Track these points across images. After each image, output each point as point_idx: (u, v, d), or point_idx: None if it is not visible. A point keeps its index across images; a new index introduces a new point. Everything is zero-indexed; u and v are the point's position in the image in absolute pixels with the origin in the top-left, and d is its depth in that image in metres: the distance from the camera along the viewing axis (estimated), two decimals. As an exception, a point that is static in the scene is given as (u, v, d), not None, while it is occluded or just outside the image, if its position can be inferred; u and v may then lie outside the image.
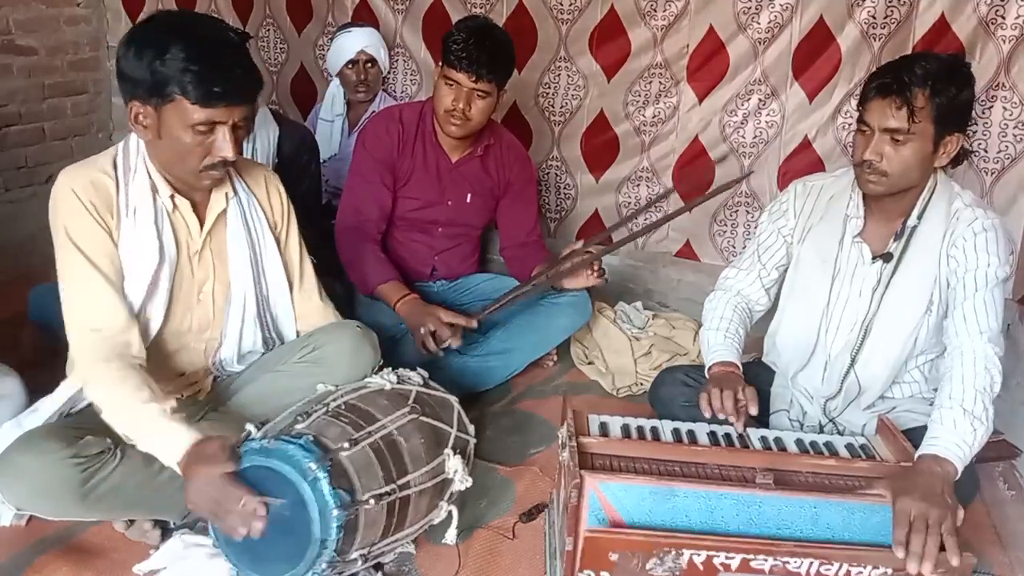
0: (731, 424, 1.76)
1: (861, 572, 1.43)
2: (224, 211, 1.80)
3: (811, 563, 1.42)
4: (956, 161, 1.83)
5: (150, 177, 1.70)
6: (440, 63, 2.42)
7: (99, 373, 1.62)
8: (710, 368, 1.93)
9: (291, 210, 1.96)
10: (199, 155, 1.63)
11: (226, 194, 1.80)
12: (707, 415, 1.78)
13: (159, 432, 1.56)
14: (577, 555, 1.44)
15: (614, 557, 1.42)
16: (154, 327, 1.75)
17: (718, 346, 1.96)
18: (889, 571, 1.43)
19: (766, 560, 1.41)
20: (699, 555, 1.41)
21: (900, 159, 1.74)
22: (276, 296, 1.91)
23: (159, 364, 1.80)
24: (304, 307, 1.98)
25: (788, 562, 1.41)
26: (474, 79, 2.34)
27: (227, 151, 1.62)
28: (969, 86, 1.75)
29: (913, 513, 1.44)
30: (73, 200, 1.64)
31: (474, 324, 2.33)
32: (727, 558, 1.41)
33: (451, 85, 2.38)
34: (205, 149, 1.63)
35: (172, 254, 1.73)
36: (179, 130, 1.60)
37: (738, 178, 2.82)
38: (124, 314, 1.66)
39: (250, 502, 1.43)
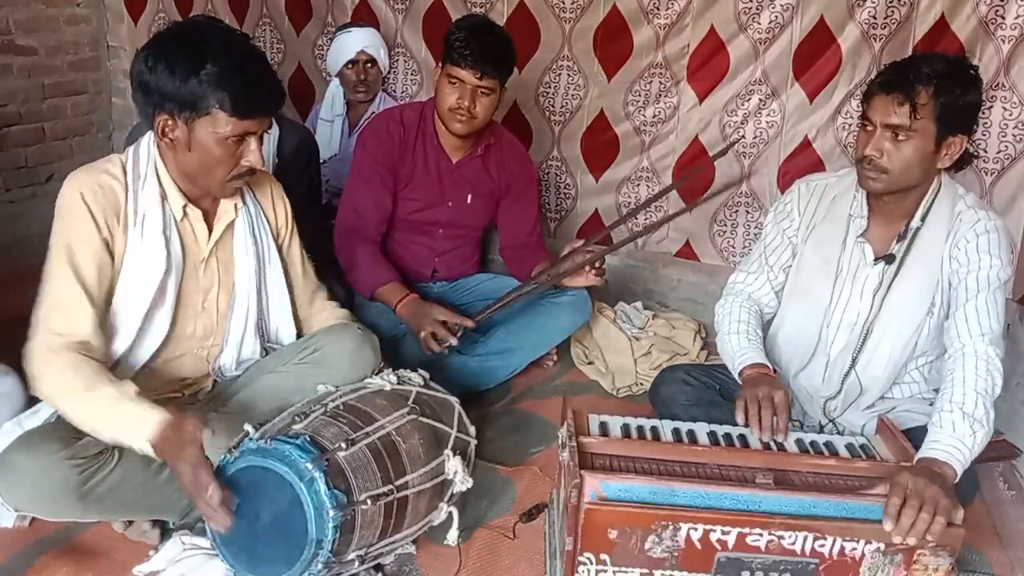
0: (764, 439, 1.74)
1: (855, 547, 1.44)
2: (232, 221, 1.81)
3: (805, 537, 1.43)
4: (959, 165, 1.82)
5: (160, 185, 1.71)
6: (441, 62, 2.42)
7: (51, 366, 1.59)
8: (741, 372, 1.90)
9: (293, 218, 1.97)
10: (228, 166, 1.66)
11: (235, 205, 1.81)
12: (741, 422, 1.75)
13: (123, 416, 1.53)
14: (577, 552, 1.44)
15: (613, 535, 1.43)
16: (158, 335, 1.75)
17: (744, 348, 1.93)
18: (882, 545, 1.44)
19: (761, 535, 1.43)
20: (696, 530, 1.43)
21: (900, 156, 1.74)
22: (276, 306, 1.92)
23: (161, 369, 1.81)
24: (318, 318, 2.00)
25: (783, 536, 1.43)
26: (479, 76, 2.34)
27: (256, 160, 1.66)
28: (975, 89, 1.75)
29: (910, 487, 1.45)
30: (80, 205, 1.64)
31: (471, 323, 2.32)
32: (723, 533, 1.43)
33: (455, 83, 2.37)
34: (235, 160, 1.65)
35: (179, 262, 1.74)
36: (211, 142, 1.61)
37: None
38: (89, 327, 1.63)
39: (214, 495, 1.42)
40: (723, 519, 1.43)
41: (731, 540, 1.44)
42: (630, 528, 1.43)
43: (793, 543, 1.44)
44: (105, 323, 1.68)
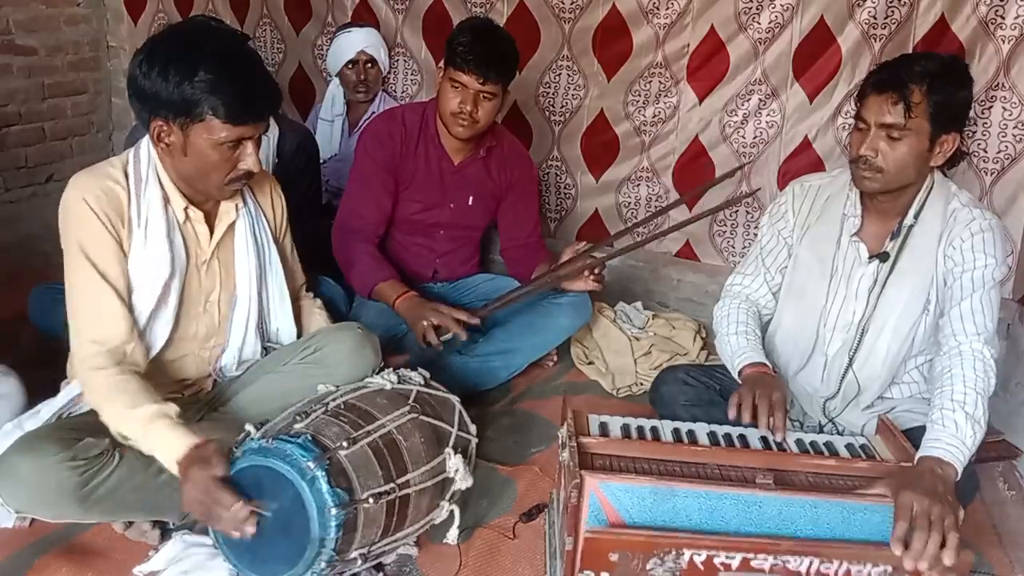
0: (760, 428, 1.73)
1: (861, 570, 1.43)
2: (233, 222, 1.81)
3: (811, 561, 1.42)
4: (953, 162, 1.83)
5: (162, 188, 1.71)
6: (443, 65, 2.42)
7: (97, 381, 1.63)
8: (741, 371, 1.90)
9: (287, 215, 1.99)
10: (225, 170, 1.66)
11: (236, 205, 1.81)
12: (731, 416, 1.75)
13: (158, 435, 1.56)
14: (577, 555, 1.44)
15: (614, 557, 1.41)
16: (162, 336, 1.75)
17: (744, 348, 1.93)
18: (889, 568, 1.43)
19: (766, 559, 1.41)
20: (699, 555, 1.41)
21: (896, 156, 1.75)
22: (276, 307, 1.93)
23: (162, 369, 1.81)
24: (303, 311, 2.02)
25: (788, 561, 1.41)
26: (481, 81, 2.33)
27: (252, 164, 1.66)
28: (967, 86, 1.76)
29: (915, 509, 1.44)
30: (85, 210, 1.64)
31: (476, 321, 2.32)
32: (727, 557, 1.41)
33: (457, 87, 2.37)
34: (231, 164, 1.66)
35: (182, 265, 1.75)
36: (206, 148, 1.62)
37: (745, 194, 2.83)
38: (126, 326, 1.67)
39: (241, 509, 1.44)
40: (727, 545, 1.41)
41: (735, 563, 1.42)
42: (631, 552, 1.42)
43: (799, 566, 1.42)
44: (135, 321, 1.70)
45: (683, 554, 1.41)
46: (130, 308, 1.68)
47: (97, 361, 1.63)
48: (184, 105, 1.57)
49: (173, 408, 1.60)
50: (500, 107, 2.47)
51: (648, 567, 1.42)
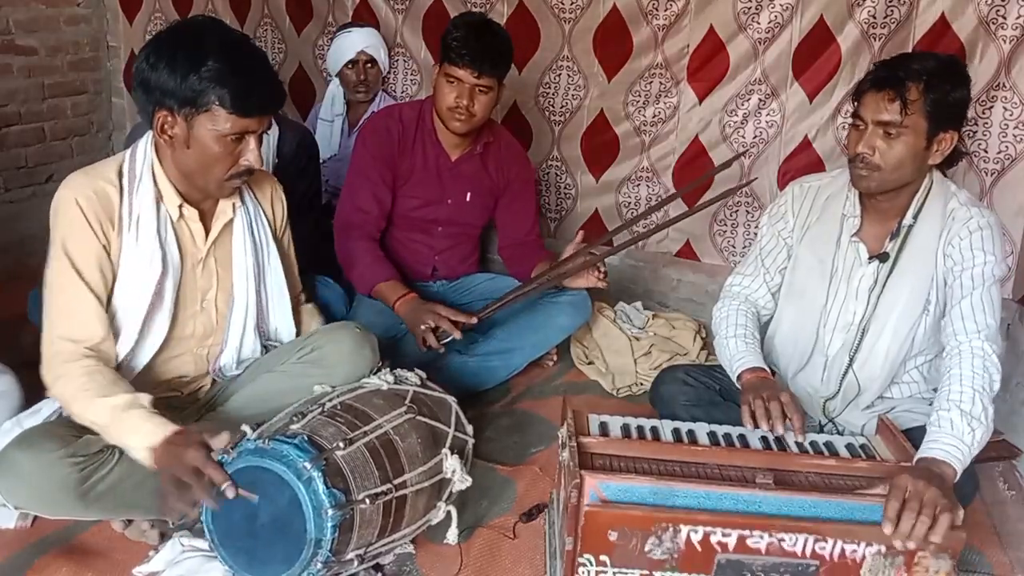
0: (776, 432, 1.73)
1: (855, 549, 1.44)
2: (230, 221, 1.81)
3: (806, 539, 1.43)
4: (951, 161, 1.83)
5: (156, 186, 1.71)
6: (439, 61, 2.42)
7: (67, 371, 1.61)
8: (739, 376, 1.89)
9: (287, 216, 1.98)
10: (227, 164, 1.66)
11: (233, 204, 1.81)
12: (750, 427, 1.74)
13: (132, 423, 1.55)
14: (577, 553, 1.44)
15: (613, 536, 1.43)
16: (159, 336, 1.75)
17: (743, 352, 1.92)
18: (883, 547, 1.44)
19: (762, 537, 1.43)
20: (696, 532, 1.43)
21: (893, 153, 1.75)
22: (276, 306, 1.92)
23: (160, 368, 1.81)
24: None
25: (783, 539, 1.43)
26: (476, 75, 2.34)
27: (254, 159, 1.66)
28: (965, 85, 1.76)
29: (909, 489, 1.44)
30: (75, 212, 1.64)
31: (474, 321, 2.32)
32: (724, 535, 1.43)
33: (453, 83, 2.38)
34: (233, 158, 1.66)
35: (176, 263, 1.74)
36: (210, 140, 1.62)
37: (740, 184, 2.83)
38: (101, 330, 1.66)
39: (229, 486, 1.44)
40: (723, 521, 1.43)
41: (731, 542, 1.43)
42: (630, 530, 1.43)
43: (793, 545, 1.43)
44: (111, 325, 1.70)
45: (680, 531, 1.42)
46: (108, 312, 1.68)
47: (70, 356, 1.62)
48: (191, 95, 1.58)
49: (147, 398, 1.59)
50: (496, 101, 2.47)
51: (646, 548, 1.43)
